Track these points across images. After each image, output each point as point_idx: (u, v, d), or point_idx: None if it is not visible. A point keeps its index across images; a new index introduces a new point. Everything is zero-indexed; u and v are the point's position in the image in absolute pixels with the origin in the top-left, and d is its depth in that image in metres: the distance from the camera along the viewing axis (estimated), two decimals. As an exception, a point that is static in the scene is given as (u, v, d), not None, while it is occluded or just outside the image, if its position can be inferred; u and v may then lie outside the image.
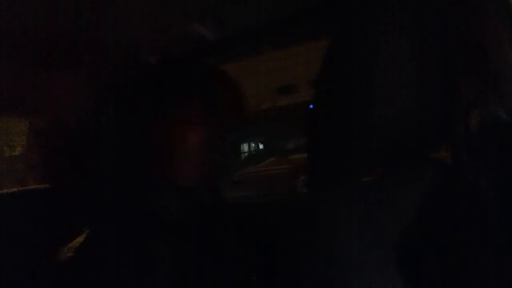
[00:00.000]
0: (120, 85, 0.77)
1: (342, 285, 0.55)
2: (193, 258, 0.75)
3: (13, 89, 0.72)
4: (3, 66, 0.73)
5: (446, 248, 0.51)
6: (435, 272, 0.51)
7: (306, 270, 0.59)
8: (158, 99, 0.76)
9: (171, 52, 0.87)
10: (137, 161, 0.75)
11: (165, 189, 0.77)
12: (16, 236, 0.73)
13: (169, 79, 0.80)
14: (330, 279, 0.56)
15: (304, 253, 0.61)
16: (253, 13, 0.85)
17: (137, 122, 0.75)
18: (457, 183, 0.54)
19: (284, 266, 0.65)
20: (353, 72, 0.57)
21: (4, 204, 0.75)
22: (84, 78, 0.78)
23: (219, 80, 0.85)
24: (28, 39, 0.71)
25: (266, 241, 0.72)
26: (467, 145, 0.54)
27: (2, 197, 0.76)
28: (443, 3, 0.54)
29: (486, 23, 0.53)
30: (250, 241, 0.76)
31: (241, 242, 0.76)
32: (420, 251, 0.52)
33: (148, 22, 0.83)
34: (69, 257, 0.74)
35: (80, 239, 0.75)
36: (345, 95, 0.58)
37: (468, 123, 0.53)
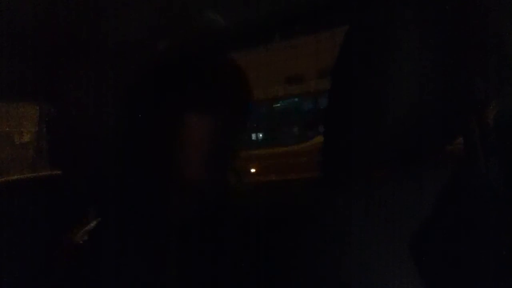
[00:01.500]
0: (130, 77, 0.76)
1: (356, 282, 0.55)
2: (206, 256, 0.74)
3: (23, 75, 0.71)
4: (13, 53, 0.73)
5: (460, 245, 0.50)
6: (449, 269, 0.50)
7: (320, 267, 0.59)
8: (167, 91, 0.75)
9: (180, 41, 0.86)
10: (146, 156, 0.73)
11: (177, 186, 0.76)
12: (25, 223, 0.73)
13: (176, 71, 0.78)
14: (341, 277, 0.56)
15: (318, 251, 0.60)
16: (264, 2, 0.83)
17: (146, 114, 0.74)
18: (473, 179, 0.53)
19: (300, 265, 0.64)
20: (368, 66, 0.56)
21: (14, 190, 0.75)
22: (95, 67, 0.77)
23: (227, 70, 0.83)
24: (38, 26, 0.71)
25: (279, 239, 0.70)
26: (482, 139, 0.53)
27: (12, 183, 0.76)
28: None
29: (503, 16, 0.52)
30: (263, 239, 0.73)
31: (254, 240, 0.74)
32: (434, 248, 0.52)
33: (158, 11, 0.82)
34: (76, 246, 0.73)
35: (88, 228, 0.75)
36: (360, 89, 0.57)
37: (484, 117, 0.52)
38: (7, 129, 0.75)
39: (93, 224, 0.76)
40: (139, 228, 0.71)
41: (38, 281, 0.69)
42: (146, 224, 0.72)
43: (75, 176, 0.76)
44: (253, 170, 0.93)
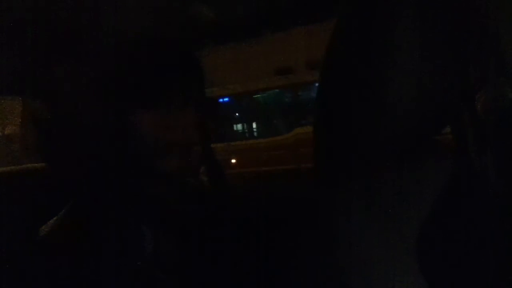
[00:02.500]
0: (113, 70, 0.75)
1: (356, 281, 0.54)
2: (189, 244, 0.75)
3: (7, 68, 0.71)
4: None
5: (457, 240, 0.50)
6: (449, 267, 0.50)
7: (317, 264, 0.58)
8: (146, 83, 0.74)
9: (168, 33, 0.85)
10: (128, 148, 0.74)
11: (158, 176, 0.76)
12: (9, 214, 0.73)
13: (155, 62, 0.76)
14: (341, 274, 0.55)
15: (314, 248, 0.60)
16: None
17: (127, 106, 0.74)
18: (467, 170, 0.54)
19: (291, 257, 0.65)
20: (362, 59, 0.55)
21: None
22: (80, 61, 0.77)
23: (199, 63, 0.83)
24: (25, 21, 0.71)
25: (266, 232, 0.71)
26: (473, 127, 0.54)
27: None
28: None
29: (492, 4, 0.52)
30: (260, 237, 0.75)
31: (250, 237, 0.75)
32: (432, 243, 0.52)
33: (146, 3, 0.81)
34: (60, 236, 0.74)
35: (72, 219, 0.75)
36: (353, 83, 0.56)
37: (475, 106, 0.53)
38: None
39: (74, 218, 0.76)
40: (121, 222, 0.71)
41: (21, 273, 0.70)
42: (132, 214, 0.72)
43: (59, 170, 0.77)
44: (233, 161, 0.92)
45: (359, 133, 0.56)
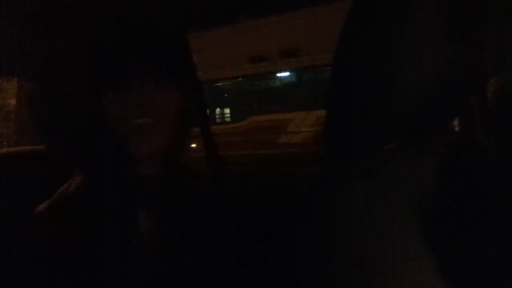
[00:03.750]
0: (94, 55, 0.75)
1: (361, 259, 0.55)
2: (173, 223, 0.75)
3: (3, 50, 0.71)
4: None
5: (463, 221, 0.51)
6: (454, 246, 0.51)
7: (317, 245, 0.59)
8: (126, 68, 0.74)
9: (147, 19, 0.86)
10: (111, 130, 0.74)
11: (138, 156, 0.75)
12: (5, 195, 0.73)
13: (134, 49, 0.76)
14: (345, 254, 0.56)
15: (317, 227, 0.60)
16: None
17: (107, 90, 0.74)
18: (474, 154, 0.54)
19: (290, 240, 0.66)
20: (371, 41, 0.55)
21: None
22: (71, 46, 0.77)
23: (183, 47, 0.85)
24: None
25: (277, 230, 0.71)
26: (483, 114, 0.54)
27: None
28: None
29: None
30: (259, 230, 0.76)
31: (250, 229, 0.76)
32: (438, 224, 0.52)
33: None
34: (53, 216, 0.74)
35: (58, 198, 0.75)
36: (362, 65, 0.57)
37: (485, 92, 0.53)
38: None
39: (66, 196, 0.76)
40: (113, 195, 0.72)
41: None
42: (118, 192, 0.72)
43: (54, 151, 0.77)
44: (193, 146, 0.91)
45: (371, 118, 0.57)
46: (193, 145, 0.89)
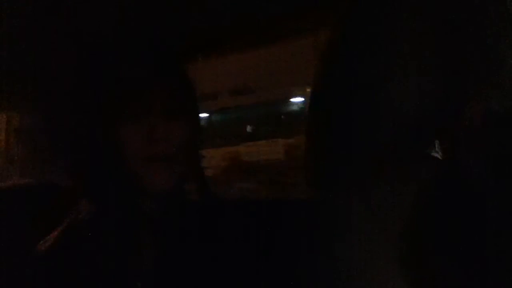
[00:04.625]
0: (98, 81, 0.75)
1: (343, 283, 0.56)
2: (179, 255, 0.74)
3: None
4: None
5: (447, 244, 0.50)
6: (437, 268, 0.50)
7: (305, 269, 0.60)
8: (129, 94, 0.74)
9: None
10: (113, 161, 0.74)
11: (144, 189, 0.74)
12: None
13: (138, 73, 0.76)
14: (330, 278, 0.57)
15: (302, 252, 0.62)
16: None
17: (106, 119, 0.74)
18: (455, 179, 0.53)
19: (280, 263, 0.67)
20: (352, 69, 0.57)
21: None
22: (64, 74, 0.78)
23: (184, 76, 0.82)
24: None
25: (258, 238, 0.73)
26: (463, 140, 0.53)
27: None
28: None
29: (484, 17, 0.52)
30: (239, 237, 0.76)
31: (230, 237, 0.76)
32: (421, 248, 0.52)
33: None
34: (49, 252, 0.73)
35: (61, 235, 0.73)
36: (344, 93, 0.58)
37: (464, 117, 0.51)
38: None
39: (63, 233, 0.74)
40: (114, 230, 0.71)
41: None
42: (120, 226, 0.72)
43: (47, 184, 0.77)
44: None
45: (356, 139, 0.58)
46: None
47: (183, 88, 0.77)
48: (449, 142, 0.53)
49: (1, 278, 0.72)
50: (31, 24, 0.74)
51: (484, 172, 0.48)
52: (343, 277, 0.55)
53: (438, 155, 0.51)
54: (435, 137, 0.52)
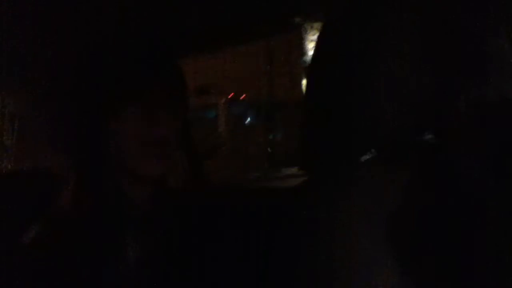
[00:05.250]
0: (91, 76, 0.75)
1: (335, 271, 0.56)
2: (167, 249, 0.75)
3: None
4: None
5: (436, 236, 0.50)
6: (425, 259, 0.51)
7: (294, 257, 0.60)
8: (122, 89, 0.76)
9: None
10: (105, 153, 0.75)
11: (135, 181, 0.76)
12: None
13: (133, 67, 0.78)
14: (321, 265, 0.57)
15: (291, 250, 0.62)
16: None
17: (102, 112, 0.75)
18: (445, 168, 0.53)
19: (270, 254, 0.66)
20: (343, 60, 0.58)
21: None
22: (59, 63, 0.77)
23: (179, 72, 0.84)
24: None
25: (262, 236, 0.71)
26: (454, 129, 0.53)
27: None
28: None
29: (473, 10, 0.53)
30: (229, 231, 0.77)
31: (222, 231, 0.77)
32: (410, 237, 0.52)
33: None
34: (32, 244, 0.72)
35: (48, 225, 0.73)
36: (335, 84, 0.58)
37: (455, 108, 0.52)
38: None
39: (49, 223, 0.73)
40: (102, 222, 0.72)
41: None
42: (109, 219, 0.73)
43: (39, 172, 0.77)
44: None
45: (347, 129, 0.58)
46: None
47: (177, 81, 0.80)
48: (441, 131, 0.53)
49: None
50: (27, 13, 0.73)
51: (478, 165, 0.48)
52: (332, 275, 0.55)
53: (431, 139, 0.52)
54: (426, 127, 0.51)
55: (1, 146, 0.74)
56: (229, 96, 4.11)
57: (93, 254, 0.70)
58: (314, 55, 0.62)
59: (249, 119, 4.18)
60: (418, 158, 0.55)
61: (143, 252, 0.73)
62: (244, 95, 4.13)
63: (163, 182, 0.77)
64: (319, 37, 0.61)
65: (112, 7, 0.76)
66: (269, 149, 4.08)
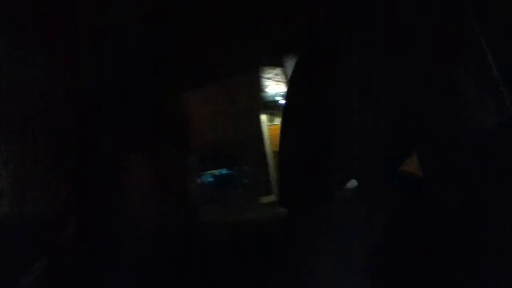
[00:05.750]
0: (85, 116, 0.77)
1: None
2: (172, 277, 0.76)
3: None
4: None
5: (415, 263, 0.51)
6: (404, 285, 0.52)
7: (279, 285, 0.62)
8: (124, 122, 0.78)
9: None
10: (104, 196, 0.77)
11: (135, 225, 0.78)
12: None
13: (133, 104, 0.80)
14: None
15: (278, 269, 0.63)
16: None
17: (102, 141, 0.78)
18: (425, 197, 0.55)
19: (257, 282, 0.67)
20: (323, 87, 0.60)
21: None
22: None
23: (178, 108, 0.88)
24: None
25: (239, 258, 0.75)
26: (433, 158, 0.55)
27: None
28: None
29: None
30: (224, 260, 0.78)
31: (217, 261, 0.78)
32: (389, 266, 0.53)
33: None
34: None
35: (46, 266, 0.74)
36: (316, 112, 0.60)
37: (437, 135, 0.53)
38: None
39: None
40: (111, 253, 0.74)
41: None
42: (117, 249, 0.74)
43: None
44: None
45: (326, 155, 0.59)
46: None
47: (179, 121, 0.83)
48: (421, 159, 0.55)
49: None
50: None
51: (453, 189, 0.50)
52: None
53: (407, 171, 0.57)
54: (406, 156, 0.56)
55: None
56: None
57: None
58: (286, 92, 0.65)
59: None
60: (394, 191, 0.57)
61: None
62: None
63: (162, 226, 0.78)
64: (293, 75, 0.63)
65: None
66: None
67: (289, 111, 0.67)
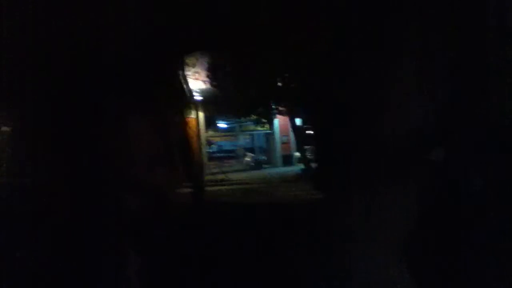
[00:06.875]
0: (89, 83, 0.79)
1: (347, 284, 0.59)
2: (164, 259, 0.79)
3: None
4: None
5: (446, 246, 0.52)
6: (436, 269, 0.51)
7: (308, 269, 0.64)
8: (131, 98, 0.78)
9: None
10: (109, 160, 0.78)
11: (137, 189, 0.80)
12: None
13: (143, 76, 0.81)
14: (333, 279, 0.59)
15: (306, 253, 0.66)
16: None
17: (106, 119, 0.78)
18: (453, 183, 0.55)
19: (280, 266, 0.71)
20: (357, 79, 0.63)
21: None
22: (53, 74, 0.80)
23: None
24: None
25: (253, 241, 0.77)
26: (461, 147, 0.55)
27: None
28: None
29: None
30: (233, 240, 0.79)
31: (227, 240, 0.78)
32: (421, 249, 0.55)
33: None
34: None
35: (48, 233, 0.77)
36: (349, 102, 0.65)
37: (463, 126, 0.54)
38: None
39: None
40: (100, 230, 0.74)
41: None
42: (107, 226, 0.75)
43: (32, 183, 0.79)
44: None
45: (358, 144, 0.63)
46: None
47: (180, 94, 0.85)
48: (447, 148, 0.63)
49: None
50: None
51: (479, 177, 0.57)
52: (345, 277, 0.64)
53: (435, 159, 0.64)
54: (434, 144, 0.64)
55: None
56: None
57: (91, 262, 0.75)
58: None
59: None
60: (429, 175, 0.64)
61: (143, 259, 0.79)
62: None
63: (164, 190, 0.82)
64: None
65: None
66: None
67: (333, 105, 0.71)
